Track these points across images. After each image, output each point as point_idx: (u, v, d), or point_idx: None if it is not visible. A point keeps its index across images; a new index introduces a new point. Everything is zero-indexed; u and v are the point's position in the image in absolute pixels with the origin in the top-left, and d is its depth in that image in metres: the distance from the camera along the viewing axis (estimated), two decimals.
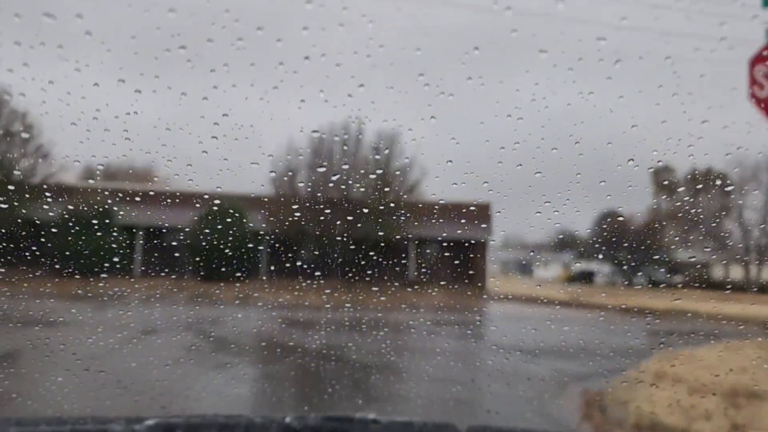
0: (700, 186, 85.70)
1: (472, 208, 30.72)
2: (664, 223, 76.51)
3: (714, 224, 73.17)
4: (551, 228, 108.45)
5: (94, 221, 23.96)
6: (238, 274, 25.23)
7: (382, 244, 26.05)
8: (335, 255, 28.19)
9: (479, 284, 28.79)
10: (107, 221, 24.76)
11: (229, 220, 25.02)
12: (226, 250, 24.43)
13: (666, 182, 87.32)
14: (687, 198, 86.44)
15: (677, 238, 70.48)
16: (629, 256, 59.40)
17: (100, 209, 24.57)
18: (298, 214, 26.18)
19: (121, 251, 25.06)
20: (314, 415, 0.97)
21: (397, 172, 26.32)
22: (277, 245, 27.62)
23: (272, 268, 29.05)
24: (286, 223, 26.19)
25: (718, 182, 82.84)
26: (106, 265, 24.75)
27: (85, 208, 24.18)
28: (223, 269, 24.38)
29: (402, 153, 26.49)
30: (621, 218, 68.48)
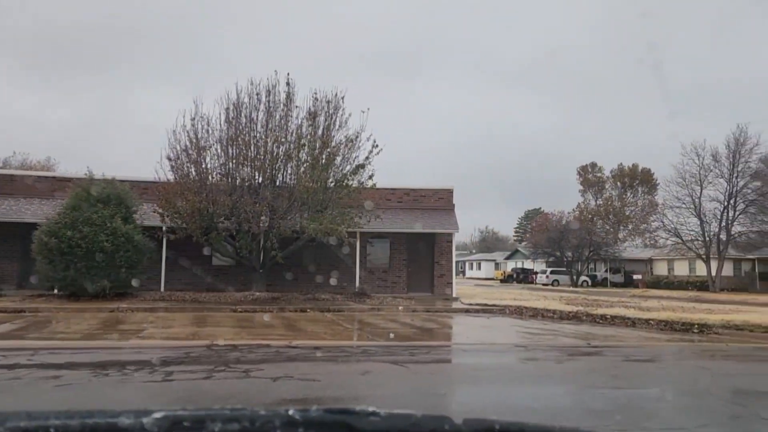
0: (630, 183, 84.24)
1: (432, 194, 24.92)
2: (596, 219, 74.41)
3: (645, 220, 71.61)
4: (477, 228, 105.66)
5: None
6: (120, 285, 18.28)
7: (320, 242, 19.76)
8: (258, 257, 21.59)
9: (446, 290, 23.00)
10: None
11: (108, 211, 18.07)
12: (102, 253, 17.46)
13: (594, 179, 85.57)
14: (615, 194, 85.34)
15: (611, 236, 68.23)
16: (568, 255, 55.87)
17: None
18: (206, 203, 19.48)
19: None
20: (316, 407, 0.99)
21: (340, 148, 20.09)
22: (178, 245, 20.78)
23: (172, 276, 22.10)
24: (191, 216, 19.43)
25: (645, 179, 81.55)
26: None
27: None
28: (99, 280, 17.41)
29: (347, 122, 20.31)
30: (552, 217, 65.54)
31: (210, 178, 20.50)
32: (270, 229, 19.98)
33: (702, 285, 43.27)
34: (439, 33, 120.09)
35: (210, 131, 20.41)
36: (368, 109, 20.31)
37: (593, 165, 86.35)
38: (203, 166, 20.28)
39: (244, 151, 20.15)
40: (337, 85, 33.91)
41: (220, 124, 20.38)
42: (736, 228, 43.61)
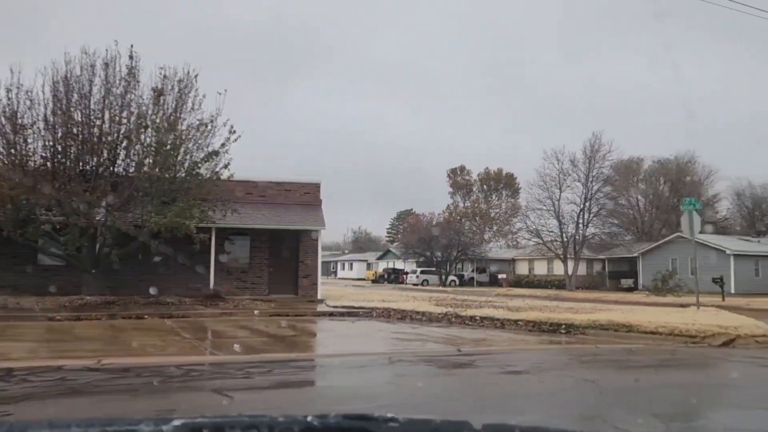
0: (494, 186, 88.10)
1: (299, 188, 23.10)
2: (464, 220, 76.68)
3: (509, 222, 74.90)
4: (348, 229, 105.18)
5: None
6: None
7: (168, 239, 17.27)
8: (91, 256, 18.49)
9: (312, 292, 21.33)
10: None
11: None
12: None
13: (463, 181, 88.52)
14: (481, 196, 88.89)
15: (478, 236, 70.49)
16: (437, 255, 56.70)
17: None
18: (24, 192, 16.29)
19: None
20: (335, 414, 1.00)
21: (192, 132, 17.75)
22: None
23: None
24: (2, 207, 16.15)
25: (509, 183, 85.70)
26: None
27: None
28: None
29: (200, 105, 18.00)
30: (423, 217, 66.39)
31: (32, 162, 17.31)
32: (105, 223, 17.18)
33: (559, 284, 45.36)
34: (316, 30, 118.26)
35: (32, 106, 17.18)
36: (225, 91, 18.13)
37: (462, 168, 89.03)
38: (21, 147, 17.01)
39: (74, 132, 17.18)
40: (191, 62, 29.20)
41: (45, 98, 17.24)
42: (590, 230, 46.30)
